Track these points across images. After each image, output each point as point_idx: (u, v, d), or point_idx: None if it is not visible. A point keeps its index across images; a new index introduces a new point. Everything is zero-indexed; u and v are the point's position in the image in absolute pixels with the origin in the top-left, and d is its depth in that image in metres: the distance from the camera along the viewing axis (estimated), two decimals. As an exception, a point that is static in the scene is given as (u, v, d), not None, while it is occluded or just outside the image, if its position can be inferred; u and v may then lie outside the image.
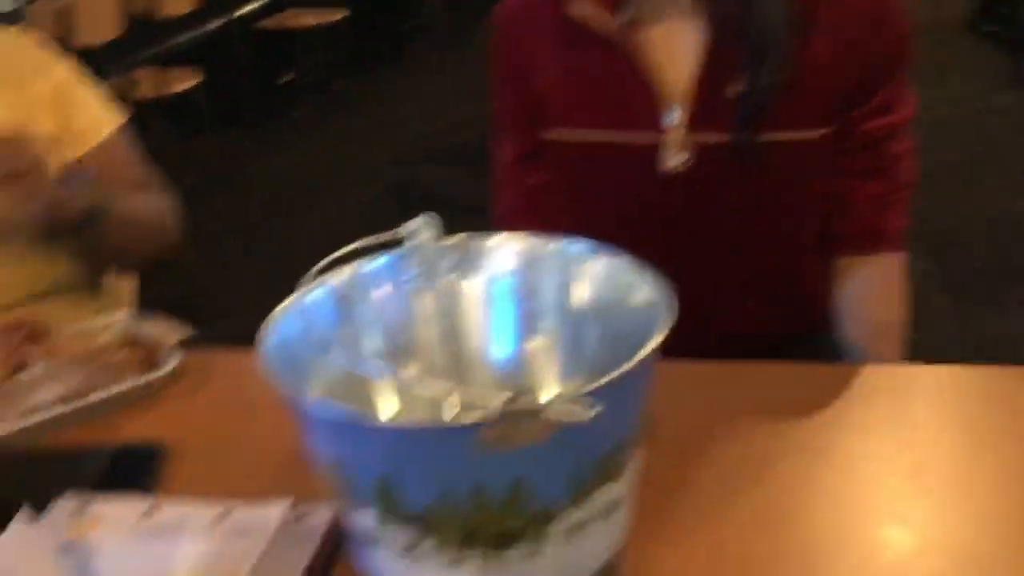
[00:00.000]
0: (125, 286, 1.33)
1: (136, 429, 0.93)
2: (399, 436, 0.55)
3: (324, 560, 0.71)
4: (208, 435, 0.94)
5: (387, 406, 0.72)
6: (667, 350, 0.59)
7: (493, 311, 0.75)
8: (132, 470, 0.85)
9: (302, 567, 0.68)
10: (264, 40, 5.50)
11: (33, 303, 1.12)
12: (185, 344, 1.05)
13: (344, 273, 0.73)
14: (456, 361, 0.75)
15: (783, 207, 1.05)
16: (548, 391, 0.74)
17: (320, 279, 0.71)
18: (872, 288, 1.07)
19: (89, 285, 1.23)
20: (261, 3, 5.58)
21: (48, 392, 0.93)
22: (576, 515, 0.60)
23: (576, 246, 0.73)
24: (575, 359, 0.72)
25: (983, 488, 0.77)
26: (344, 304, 0.72)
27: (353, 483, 0.59)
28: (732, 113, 0.98)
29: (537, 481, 0.57)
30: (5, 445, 0.90)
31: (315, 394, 0.63)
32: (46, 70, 1.19)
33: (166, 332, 1.05)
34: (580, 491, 0.59)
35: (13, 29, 1.23)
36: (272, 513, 0.74)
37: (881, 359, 1.03)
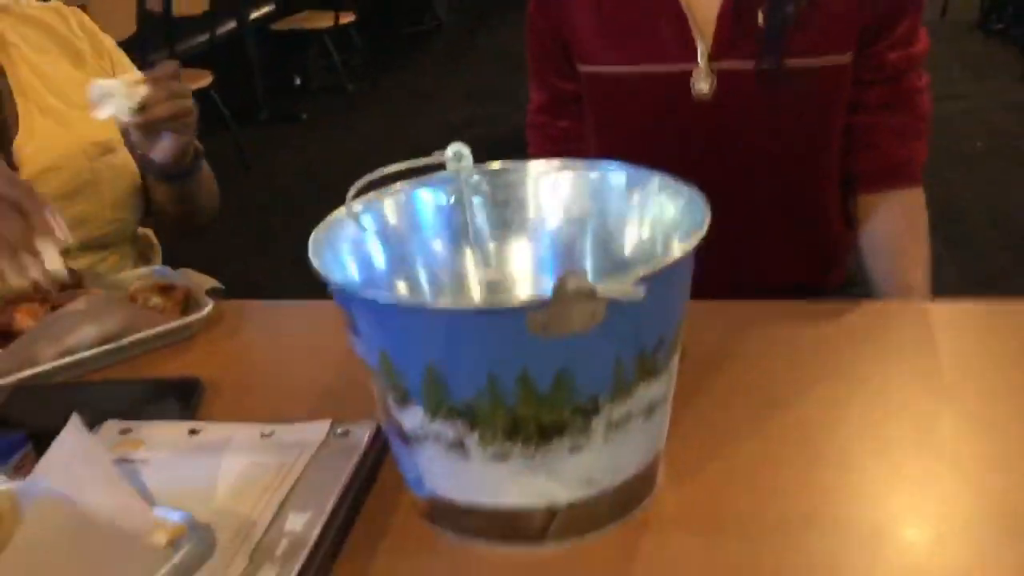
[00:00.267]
0: (155, 250, 1.34)
1: (173, 369, 0.95)
2: (450, 320, 0.56)
3: (367, 471, 0.73)
4: (245, 373, 0.96)
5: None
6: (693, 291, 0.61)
7: (531, 234, 0.77)
8: (172, 401, 0.86)
9: (345, 477, 0.70)
10: (276, 42, 5.55)
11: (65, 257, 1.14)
12: (215, 294, 1.07)
13: (385, 195, 0.75)
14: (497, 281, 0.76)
15: (807, 136, 1.08)
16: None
17: (363, 200, 0.73)
18: (897, 224, 1.10)
19: (133, 240, 1.26)
20: (273, 6, 5.63)
21: (87, 332, 0.95)
22: (618, 410, 0.61)
23: (612, 167, 0.74)
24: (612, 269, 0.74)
25: (1012, 406, 0.78)
26: (387, 226, 0.74)
27: (401, 377, 0.60)
28: (758, 41, 1.00)
29: (582, 372, 0.58)
30: (46, 380, 0.91)
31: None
32: (100, 38, 1.26)
33: (198, 280, 1.07)
34: (622, 385, 0.60)
35: (56, 3, 1.26)
36: (314, 430, 0.76)
37: (910, 293, 1.04)
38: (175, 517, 0.62)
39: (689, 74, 1.05)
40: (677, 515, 0.68)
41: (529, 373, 0.57)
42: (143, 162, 1.17)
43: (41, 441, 0.70)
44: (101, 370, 0.95)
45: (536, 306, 0.54)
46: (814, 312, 0.95)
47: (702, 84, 1.04)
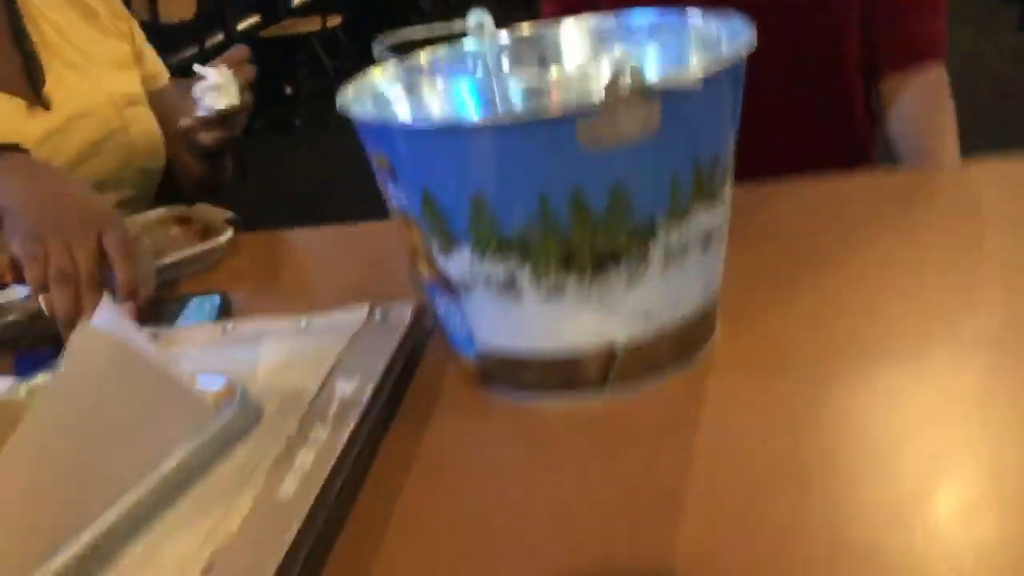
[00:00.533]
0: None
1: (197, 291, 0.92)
2: (495, 137, 0.53)
3: (411, 348, 0.70)
4: (270, 292, 0.94)
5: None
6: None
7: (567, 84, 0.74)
8: (200, 313, 0.84)
9: (392, 347, 0.67)
10: (265, 50, 5.54)
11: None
12: (233, 223, 1.04)
13: (410, 58, 0.72)
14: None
15: (823, 10, 1.06)
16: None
17: (389, 63, 0.70)
18: (924, 103, 1.08)
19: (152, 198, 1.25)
20: (259, 16, 5.63)
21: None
22: (675, 236, 0.58)
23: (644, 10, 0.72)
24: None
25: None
26: (413, 85, 0.71)
27: (446, 216, 0.57)
28: None
29: (637, 189, 0.55)
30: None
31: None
32: (122, 13, 1.27)
33: (214, 212, 1.04)
34: (679, 207, 0.57)
35: None
36: (352, 315, 0.73)
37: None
38: (219, 381, 0.59)
39: None
40: (738, 361, 0.65)
41: (582, 193, 0.55)
42: (187, 140, 1.16)
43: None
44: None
45: (587, 112, 0.52)
46: (853, 183, 0.92)
47: None
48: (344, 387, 0.63)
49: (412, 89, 0.71)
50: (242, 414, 0.58)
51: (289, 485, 0.53)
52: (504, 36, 0.74)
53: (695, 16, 0.68)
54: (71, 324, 0.76)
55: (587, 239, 0.56)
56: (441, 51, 0.74)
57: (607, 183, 0.55)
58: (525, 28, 0.75)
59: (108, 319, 0.60)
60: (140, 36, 1.28)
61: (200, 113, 1.04)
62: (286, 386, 0.64)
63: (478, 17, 0.74)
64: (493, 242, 0.57)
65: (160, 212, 1.04)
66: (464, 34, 0.73)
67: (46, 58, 1.14)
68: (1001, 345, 0.63)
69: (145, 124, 1.20)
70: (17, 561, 0.45)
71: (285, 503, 0.52)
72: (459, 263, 0.60)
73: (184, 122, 1.07)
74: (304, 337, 0.71)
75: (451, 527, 0.54)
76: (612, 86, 0.51)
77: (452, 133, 0.55)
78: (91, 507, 0.49)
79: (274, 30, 5.55)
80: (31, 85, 1.10)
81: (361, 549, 0.53)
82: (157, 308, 0.86)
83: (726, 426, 0.59)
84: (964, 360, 0.62)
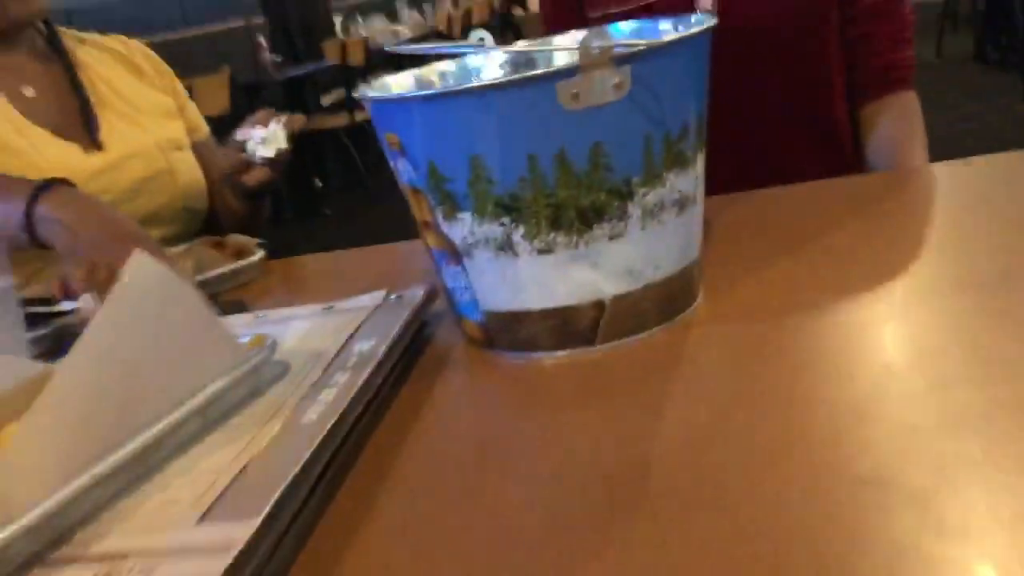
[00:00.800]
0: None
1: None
2: (489, 100, 0.61)
3: (420, 322, 0.77)
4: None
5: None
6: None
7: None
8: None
9: (405, 318, 0.74)
10: (295, 144, 5.76)
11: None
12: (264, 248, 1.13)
13: (420, 70, 0.82)
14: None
15: (806, 44, 1.15)
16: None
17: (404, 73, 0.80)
18: (897, 127, 1.18)
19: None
20: (290, 111, 5.86)
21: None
22: (652, 196, 0.66)
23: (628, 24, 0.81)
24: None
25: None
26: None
27: (449, 183, 0.65)
28: None
29: (614, 149, 0.63)
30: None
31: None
32: (158, 61, 1.42)
33: (245, 240, 1.13)
34: (653, 169, 0.65)
35: (120, 36, 1.41)
36: (370, 298, 0.80)
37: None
38: (250, 334, 0.67)
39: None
40: (717, 319, 0.72)
41: (566, 153, 0.62)
42: (231, 181, 1.27)
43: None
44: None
45: (565, 73, 0.60)
46: (830, 186, 1.00)
47: (707, 2, 1.12)
48: (362, 346, 0.70)
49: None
50: (271, 360, 0.66)
51: (312, 413, 0.60)
52: (502, 52, 0.84)
53: (666, 23, 0.77)
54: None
55: (572, 196, 0.64)
56: (447, 64, 0.83)
57: (587, 143, 0.63)
58: (519, 44, 0.85)
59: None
60: (182, 92, 1.41)
61: (248, 157, 1.17)
62: (310, 348, 0.71)
63: (480, 35, 0.83)
64: (490, 204, 0.65)
65: (199, 239, 1.13)
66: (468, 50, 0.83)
67: (99, 109, 1.26)
68: (948, 296, 0.69)
69: (189, 167, 1.32)
70: (75, 461, 0.52)
71: (308, 426, 0.59)
72: (461, 228, 0.67)
73: (233, 162, 1.19)
74: (327, 316, 0.79)
75: (458, 459, 0.60)
76: (586, 50, 0.59)
77: (450, 99, 0.63)
78: (138, 420, 0.56)
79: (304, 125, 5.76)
80: (87, 131, 1.22)
81: (376, 474, 0.59)
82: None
83: (703, 370, 0.65)
84: (918, 311, 0.68)
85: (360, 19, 7.12)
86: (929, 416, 0.53)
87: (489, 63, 0.84)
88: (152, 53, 1.43)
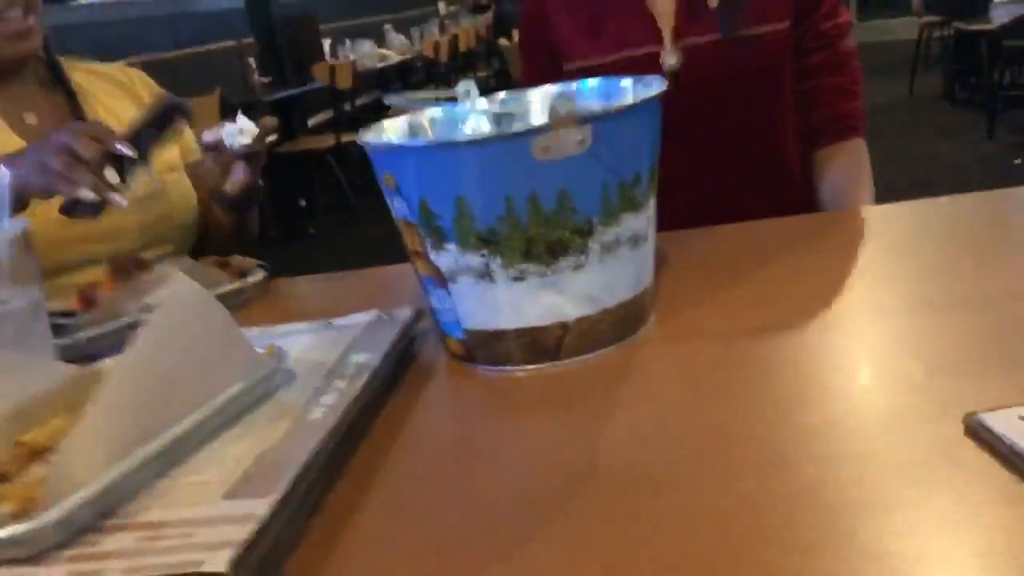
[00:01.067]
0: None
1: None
2: (473, 151, 0.73)
3: (409, 339, 0.88)
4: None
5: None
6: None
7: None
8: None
9: (396, 333, 0.85)
10: (281, 165, 5.87)
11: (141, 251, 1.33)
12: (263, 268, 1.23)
13: (412, 116, 0.93)
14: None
15: (762, 95, 1.28)
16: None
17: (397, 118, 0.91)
18: (847, 171, 1.30)
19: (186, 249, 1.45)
20: (275, 135, 5.97)
21: (162, 292, 1.11)
22: (609, 234, 0.77)
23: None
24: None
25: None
26: (414, 135, 0.92)
27: (437, 218, 0.77)
28: (713, 19, 1.21)
29: (577, 194, 0.75)
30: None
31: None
32: (157, 90, 1.51)
33: (249, 260, 1.24)
34: (610, 210, 0.77)
35: (120, 64, 1.51)
36: (365, 316, 0.91)
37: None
38: (264, 344, 0.78)
39: (657, 55, 1.25)
40: (666, 339, 0.83)
41: (537, 195, 0.74)
42: (215, 193, 1.37)
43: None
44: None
45: (539, 131, 0.72)
46: (776, 224, 1.12)
47: (671, 59, 1.24)
48: (358, 357, 0.81)
49: (412, 137, 0.92)
50: (282, 368, 0.76)
51: (317, 413, 0.71)
52: (485, 101, 0.95)
53: (627, 80, 0.89)
54: (99, 189, 1.01)
55: (541, 233, 0.75)
56: (436, 111, 0.95)
57: (555, 188, 0.74)
58: (501, 95, 0.97)
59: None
60: None
61: (226, 144, 1.24)
62: (312, 358, 0.82)
63: (466, 86, 0.95)
64: (472, 238, 0.76)
65: (204, 259, 1.24)
66: (455, 99, 0.94)
67: None
68: (865, 322, 0.81)
69: (182, 187, 1.42)
70: (124, 447, 0.63)
71: (313, 423, 0.69)
72: (447, 257, 0.79)
73: (212, 168, 1.28)
74: (326, 331, 0.90)
75: (441, 452, 0.71)
76: (555, 112, 0.71)
77: (441, 149, 0.75)
78: (174, 415, 0.66)
79: (290, 146, 5.87)
80: None
81: (371, 463, 0.70)
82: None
83: (650, 380, 0.77)
84: (841, 333, 0.80)
85: (348, 43, 7.24)
86: (839, 414, 0.65)
87: (473, 111, 0.96)
88: (151, 81, 1.52)
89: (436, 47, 7.81)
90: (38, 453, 0.68)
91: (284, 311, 1.15)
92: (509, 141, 0.73)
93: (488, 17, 10.45)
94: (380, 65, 7.25)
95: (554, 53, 1.34)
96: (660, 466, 0.63)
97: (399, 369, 0.84)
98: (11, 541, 0.55)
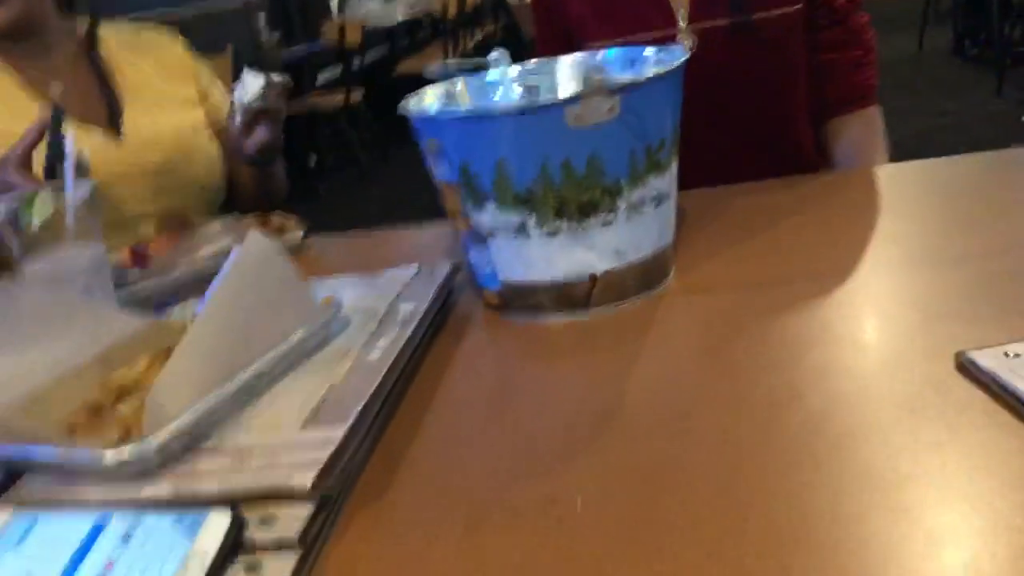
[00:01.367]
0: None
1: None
2: (512, 119, 0.80)
3: (449, 291, 0.96)
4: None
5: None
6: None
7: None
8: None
9: (434, 288, 0.93)
10: (290, 123, 5.91)
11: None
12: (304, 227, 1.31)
13: (448, 84, 1.00)
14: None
15: (776, 75, 1.33)
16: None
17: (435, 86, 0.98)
18: (862, 137, 1.35)
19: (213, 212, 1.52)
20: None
21: (208, 249, 1.19)
22: (635, 194, 0.85)
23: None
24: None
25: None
26: (450, 102, 0.99)
27: (478, 180, 0.84)
28: (726, 1, 1.26)
29: (606, 158, 0.82)
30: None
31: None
32: (190, 63, 1.56)
33: (288, 217, 1.31)
34: (636, 173, 0.84)
35: (154, 24, 1.57)
36: (408, 270, 0.99)
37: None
38: (322, 294, 0.86)
39: (672, 37, 1.30)
40: (686, 291, 0.91)
41: (570, 159, 0.81)
42: (237, 150, 1.43)
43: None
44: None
45: (572, 100, 0.79)
46: (794, 183, 1.20)
47: (685, 42, 1.29)
48: (406, 306, 0.89)
49: (450, 104, 0.99)
50: (337, 318, 0.85)
51: (375, 354, 0.79)
52: (516, 68, 1.02)
53: (651, 49, 0.96)
54: None
55: (573, 194, 0.83)
56: (471, 78, 1.02)
57: (586, 153, 0.82)
58: (532, 63, 1.04)
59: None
60: (207, 75, 1.56)
61: (235, 105, 1.29)
62: (365, 306, 0.90)
63: (498, 54, 1.02)
64: (510, 198, 0.84)
65: (245, 217, 1.31)
66: (488, 66, 1.01)
67: (124, 99, 1.42)
68: (899, 271, 0.89)
69: (205, 150, 1.48)
70: (210, 383, 0.71)
71: (373, 362, 0.78)
72: (486, 215, 0.86)
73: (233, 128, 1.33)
74: (373, 283, 0.98)
75: (482, 393, 0.79)
76: (587, 83, 0.78)
77: (483, 118, 0.82)
78: (251, 355, 0.75)
79: (298, 105, 5.90)
80: (111, 120, 1.39)
81: (423, 400, 0.78)
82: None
83: (671, 330, 0.85)
84: (858, 282, 0.88)
85: (356, 0, 7.25)
86: (844, 355, 0.73)
87: (504, 79, 1.03)
88: (180, 43, 1.56)
89: (444, 3, 7.80)
90: (127, 390, 0.76)
91: (324, 265, 1.23)
92: (545, 110, 0.80)
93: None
94: (388, 24, 7.26)
95: (568, 30, 1.39)
96: (683, 403, 0.71)
97: (441, 318, 0.92)
98: (122, 462, 0.64)
